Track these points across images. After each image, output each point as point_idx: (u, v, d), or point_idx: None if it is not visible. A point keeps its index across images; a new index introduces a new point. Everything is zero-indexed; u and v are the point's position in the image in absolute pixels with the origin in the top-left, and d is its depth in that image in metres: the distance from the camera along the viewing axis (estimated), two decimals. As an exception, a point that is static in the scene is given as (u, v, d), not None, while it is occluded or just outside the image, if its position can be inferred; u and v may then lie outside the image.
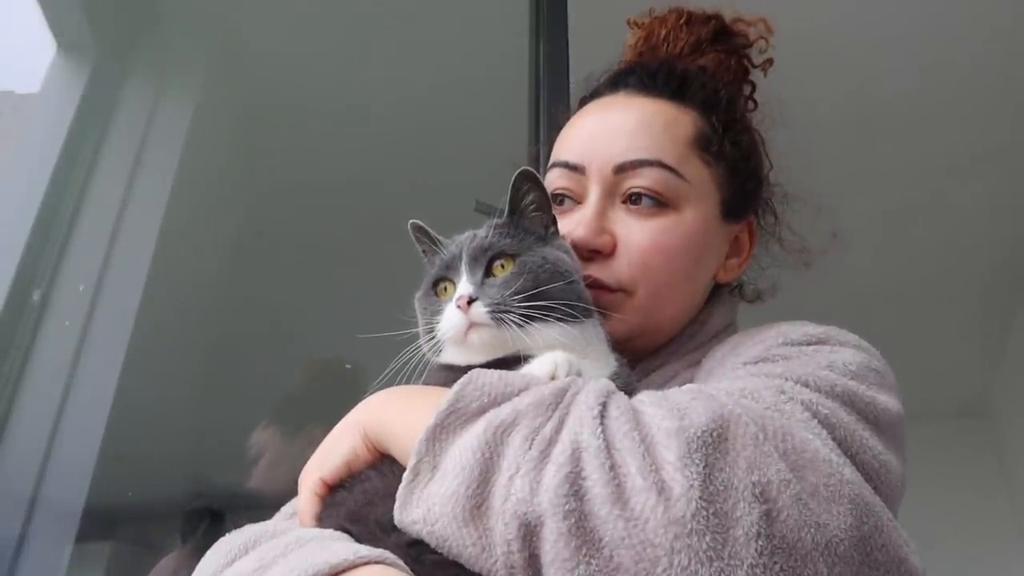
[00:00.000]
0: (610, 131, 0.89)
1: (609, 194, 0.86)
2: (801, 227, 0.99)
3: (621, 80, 0.95)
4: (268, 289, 2.04)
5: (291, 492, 0.84)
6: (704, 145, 0.88)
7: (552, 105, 1.55)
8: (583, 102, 0.98)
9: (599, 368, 0.73)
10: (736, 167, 0.91)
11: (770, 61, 1.00)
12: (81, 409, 1.52)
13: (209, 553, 0.70)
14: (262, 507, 0.84)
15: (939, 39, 2.33)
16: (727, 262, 0.93)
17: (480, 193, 1.05)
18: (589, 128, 0.91)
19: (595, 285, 0.82)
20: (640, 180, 0.85)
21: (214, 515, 1.61)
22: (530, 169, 0.78)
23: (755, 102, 1.01)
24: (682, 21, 0.99)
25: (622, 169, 0.86)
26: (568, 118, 0.97)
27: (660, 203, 0.85)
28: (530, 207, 0.78)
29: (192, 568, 0.69)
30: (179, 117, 1.92)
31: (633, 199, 0.85)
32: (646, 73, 0.94)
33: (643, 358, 0.88)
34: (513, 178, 0.77)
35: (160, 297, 1.73)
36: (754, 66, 1.00)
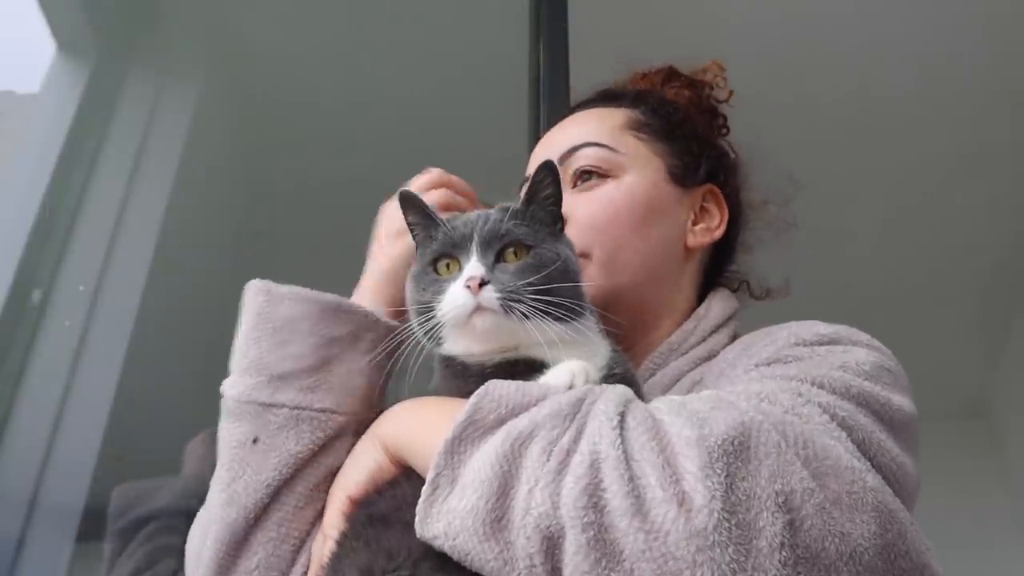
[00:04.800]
0: (555, 138, 1.01)
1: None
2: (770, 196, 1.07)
3: (572, 111, 1.08)
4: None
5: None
6: (636, 127, 0.98)
7: (552, 105, 1.55)
8: None
9: (596, 357, 0.73)
10: (673, 139, 0.99)
11: (731, 92, 1.09)
12: (81, 409, 1.52)
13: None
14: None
15: (939, 40, 2.33)
16: (695, 228, 0.97)
17: (480, 193, 1.06)
18: (540, 144, 1.04)
19: None
20: (579, 161, 0.94)
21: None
22: (553, 162, 0.77)
23: (727, 128, 1.09)
24: (640, 75, 1.11)
25: (563, 158, 0.95)
26: None
27: (601, 175, 0.93)
28: (547, 200, 0.77)
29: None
30: (179, 117, 1.92)
31: (581, 179, 0.94)
32: (587, 99, 1.07)
33: (645, 352, 0.88)
34: (536, 168, 0.77)
35: (160, 297, 1.72)
36: (720, 101, 1.09)
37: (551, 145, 0.99)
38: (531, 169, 1.00)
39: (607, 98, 1.04)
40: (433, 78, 2.19)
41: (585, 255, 0.88)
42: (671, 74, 1.09)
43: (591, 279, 0.84)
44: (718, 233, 0.98)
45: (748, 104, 1.09)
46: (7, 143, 1.92)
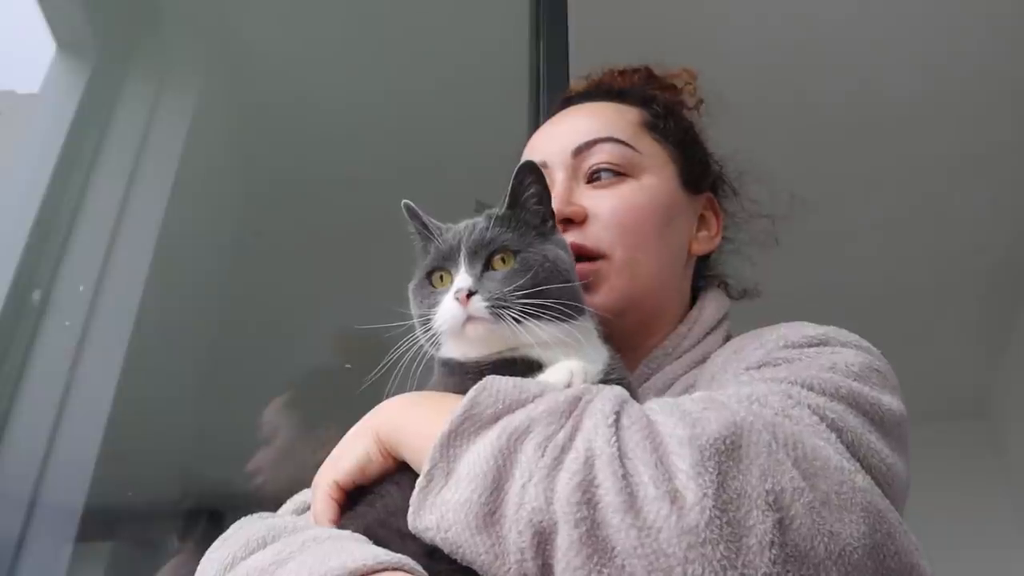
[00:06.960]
0: (564, 128, 0.98)
1: (573, 176, 0.93)
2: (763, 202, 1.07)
3: (568, 101, 1.05)
4: (268, 288, 2.03)
5: (291, 490, 0.84)
6: (651, 126, 0.97)
7: (552, 105, 1.55)
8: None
9: (594, 361, 0.73)
10: (684, 143, 0.99)
11: (701, 101, 1.08)
12: (81, 409, 1.51)
13: (224, 541, 0.69)
14: (262, 508, 0.84)
15: (940, 41, 2.33)
16: (698, 235, 0.98)
17: (480, 192, 1.05)
18: (544, 134, 1.00)
19: (576, 251, 0.85)
20: (598, 156, 0.92)
21: (212, 515, 1.60)
22: (533, 162, 0.79)
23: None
24: (616, 72, 1.09)
25: (580, 151, 0.93)
26: None
27: (620, 174, 0.92)
28: (531, 200, 0.78)
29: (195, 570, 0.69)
30: (179, 117, 1.92)
31: (595, 175, 0.92)
32: (587, 91, 1.06)
33: (640, 357, 0.88)
34: (515, 170, 0.78)
35: (160, 297, 1.72)
36: (689, 108, 1.07)
37: (559, 136, 0.96)
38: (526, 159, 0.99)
39: (613, 94, 1.02)
40: (433, 77, 2.19)
41: (604, 256, 0.87)
42: (649, 75, 1.07)
43: (609, 281, 0.86)
44: (716, 241, 1.00)
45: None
46: (7, 143, 1.92)
